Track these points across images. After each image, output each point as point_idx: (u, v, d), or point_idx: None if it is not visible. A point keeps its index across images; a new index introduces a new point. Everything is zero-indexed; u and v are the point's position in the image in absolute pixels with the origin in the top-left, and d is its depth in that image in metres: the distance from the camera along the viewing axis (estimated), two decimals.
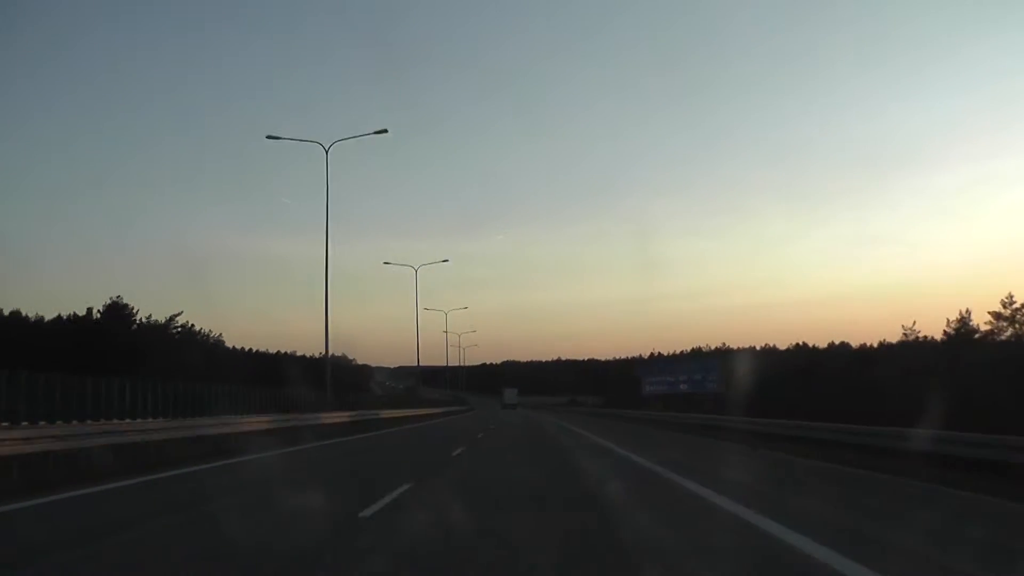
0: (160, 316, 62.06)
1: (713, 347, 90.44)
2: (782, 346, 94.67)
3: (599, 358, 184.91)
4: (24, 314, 55.79)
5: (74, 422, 14.51)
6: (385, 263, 62.00)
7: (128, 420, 17.75)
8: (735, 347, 77.13)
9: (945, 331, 42.78)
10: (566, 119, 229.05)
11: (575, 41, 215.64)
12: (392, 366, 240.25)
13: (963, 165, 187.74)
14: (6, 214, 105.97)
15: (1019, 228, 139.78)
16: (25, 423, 13.44)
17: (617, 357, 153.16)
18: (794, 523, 6.97)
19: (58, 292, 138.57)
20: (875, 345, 53.59)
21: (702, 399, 45.80)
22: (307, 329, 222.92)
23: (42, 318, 56.13)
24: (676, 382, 54.94)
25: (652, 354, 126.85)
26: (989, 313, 42.20)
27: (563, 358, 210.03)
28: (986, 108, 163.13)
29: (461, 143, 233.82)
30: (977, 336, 41.13)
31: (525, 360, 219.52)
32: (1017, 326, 40.63)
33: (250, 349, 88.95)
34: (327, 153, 35.31)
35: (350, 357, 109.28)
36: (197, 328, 66.85)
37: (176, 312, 64.10)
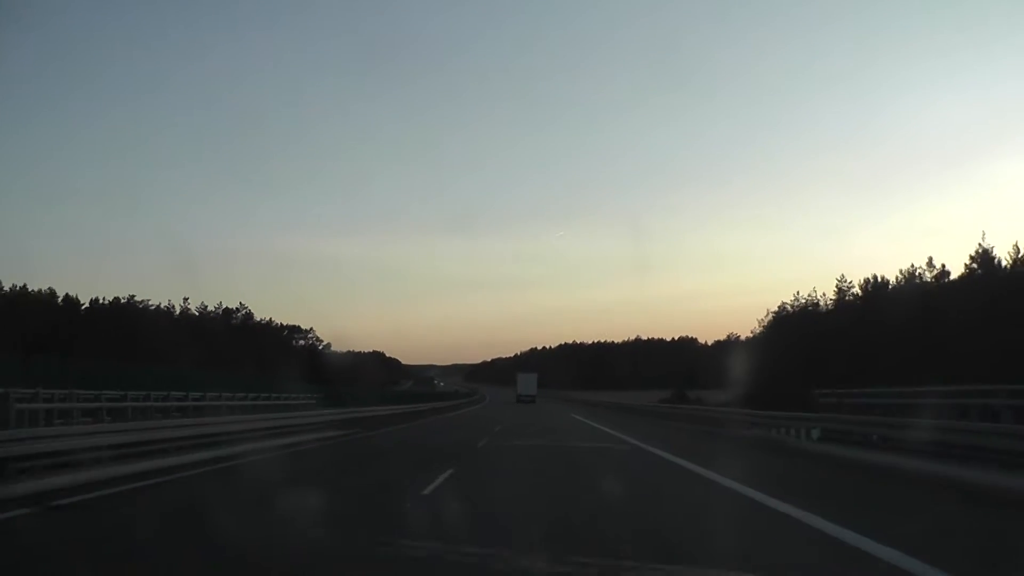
0: None
1: None
2: None
3: (698, 338, 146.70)
4: None
5: None
6: None
7: None
8: None
9: None
10: (609, 113, 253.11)
11: (611, 34, 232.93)
12: (444, 364, 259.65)
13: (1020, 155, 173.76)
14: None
15: None
16: None
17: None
18: None
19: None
20: None
21: None
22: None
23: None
24: None
25: None
26: None
27: (642, 337, 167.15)
28: None
29: (504, 145, 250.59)
30: None
31: (589, 341, 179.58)
32: None
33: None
34: None
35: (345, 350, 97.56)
36: None
37: None
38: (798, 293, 54.54)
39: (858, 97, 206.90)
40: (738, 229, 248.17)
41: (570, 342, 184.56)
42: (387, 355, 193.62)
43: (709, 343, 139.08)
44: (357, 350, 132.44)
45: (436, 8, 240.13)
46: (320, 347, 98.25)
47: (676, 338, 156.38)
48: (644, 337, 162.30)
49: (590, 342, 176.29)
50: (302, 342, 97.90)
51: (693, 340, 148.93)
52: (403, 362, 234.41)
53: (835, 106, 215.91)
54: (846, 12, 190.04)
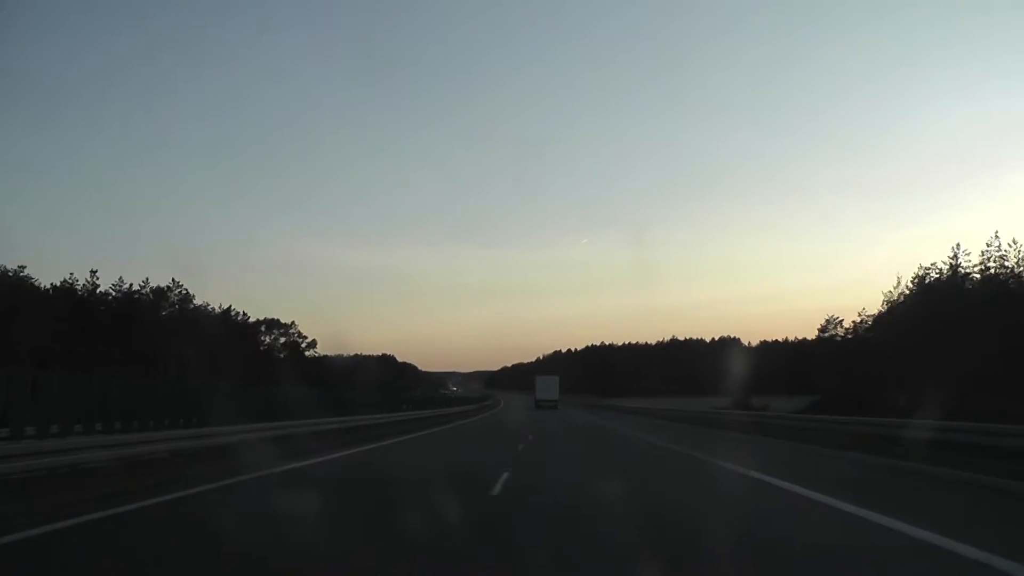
0: None
1: None
2: None
3: (741, 338, 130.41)
4: None
5: None
6: None
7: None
8: None
9: None
10: (631, 120, 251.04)
11: (629, 43, 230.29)
12: (466, 371, 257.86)
13: None
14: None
15: None
16: None
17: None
18: None
19: None
20: None
21: None
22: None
23: None
24: None
25: None
26: None
27: (678, 338, 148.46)
28: None
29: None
30: None
31: (619, 343, 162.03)
32: None
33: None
34: None
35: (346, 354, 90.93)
36: None
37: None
38: (958, 246, 37.37)
39: (877, 107, 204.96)
40: (755, 237, 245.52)
41: (596, 344, 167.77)
42: (399, 360, 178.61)
43: (754, 343, 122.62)
44: (367, 353, 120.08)
45: (452, 18, 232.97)
46: (303, 345, 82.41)
47: (716, 338, 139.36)
48: (681, 338, 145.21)
49: (620, 343, 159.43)
50: (282, 339, 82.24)
51: (736, 340, 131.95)
52: (421, 368, 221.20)
53: (851, 116, 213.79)
54: (863, 22, 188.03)
